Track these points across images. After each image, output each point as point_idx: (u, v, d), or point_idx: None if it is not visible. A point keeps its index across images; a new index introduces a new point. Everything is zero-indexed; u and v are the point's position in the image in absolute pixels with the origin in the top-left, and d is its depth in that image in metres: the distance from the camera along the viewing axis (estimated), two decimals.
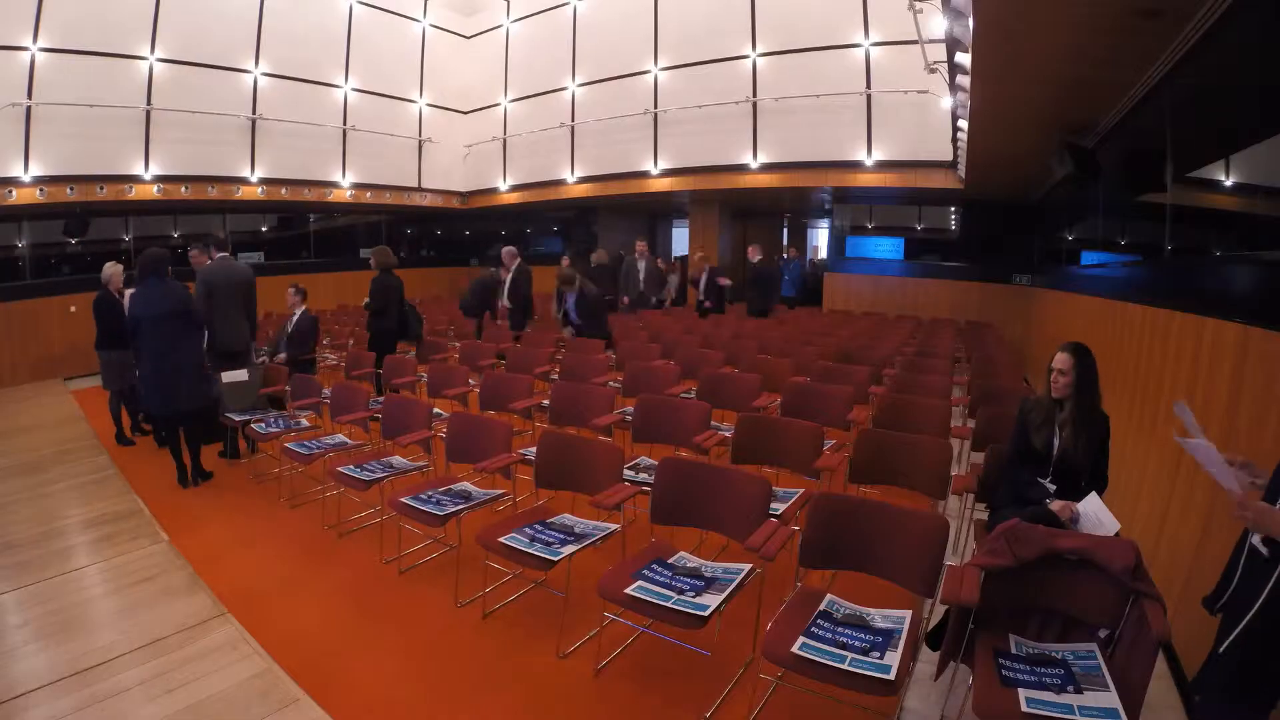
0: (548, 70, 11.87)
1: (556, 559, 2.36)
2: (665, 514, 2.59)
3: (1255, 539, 1.47)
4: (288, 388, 4.62)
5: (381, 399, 4.14)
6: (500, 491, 3.04)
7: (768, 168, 9.81)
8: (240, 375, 4.58)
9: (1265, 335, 2.07)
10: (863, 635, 1.91)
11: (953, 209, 10.23)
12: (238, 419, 4.34)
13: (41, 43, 8.13)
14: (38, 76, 8.12)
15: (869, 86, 9.01)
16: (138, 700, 2.15)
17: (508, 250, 7.07)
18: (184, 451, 4.15)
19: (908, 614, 2.02)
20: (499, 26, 12.76)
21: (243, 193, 10.22)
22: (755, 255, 8.60)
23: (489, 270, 7.83)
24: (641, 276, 9.08)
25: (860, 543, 2.20)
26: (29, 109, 8.07)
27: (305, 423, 4.34)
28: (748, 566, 2.29)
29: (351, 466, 3.28)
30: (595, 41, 11.40)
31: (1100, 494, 2.46)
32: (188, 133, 9.43)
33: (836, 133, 9.25)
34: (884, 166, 9.07)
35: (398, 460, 3.48)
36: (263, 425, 4.16)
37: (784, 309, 9.57)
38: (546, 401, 4.12)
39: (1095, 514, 2.25)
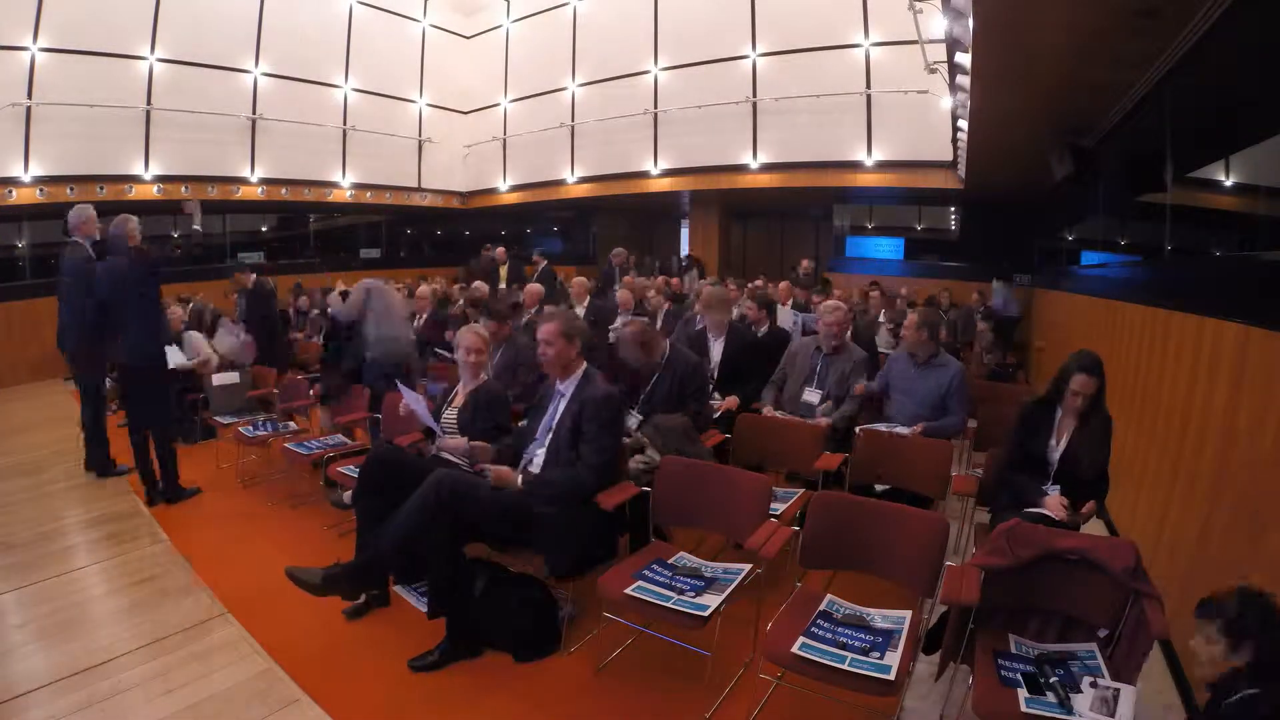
0: (548, 70, 11.87)
1: None
2: (666, 514, 2.59)
3: None
4: (276, 389, 4.62)
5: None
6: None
7: (768, 168, 9.81)
8: (231, 378, 4.60)
9: (1265, 335, 2.07)
10: (863, 635, 1.91)
11: (953, 209, 10.23)
12: (226, 421, 4.34)
13: (41, 43, 8.13)
14: (38, 76, 8.13)
15: (869, 86, 9.02)
16: (138, 700, 2.15)
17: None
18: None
19: (908, 614, 2.02)
20: (499, 26, 12.77)
21: (243, 193, 10.23)
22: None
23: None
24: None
25: (860, 543, 2.20)
26: (29, 109, 8.08)
27: (294, 425, 4.32)
28: (748, 566, 2.29)
29: (352, 467, 3.28)
30: (595, 41, 11.40)
31: (1103, 497, 2.46)
32: (188, 133, 9.43)
33: (836, 133, 9.25)
34: (884, 166, 9.07)
35: None
36: (250, 428, 4.15)
37: None
38: None
39: None
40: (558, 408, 2.64)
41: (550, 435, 2.61)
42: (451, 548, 2.36)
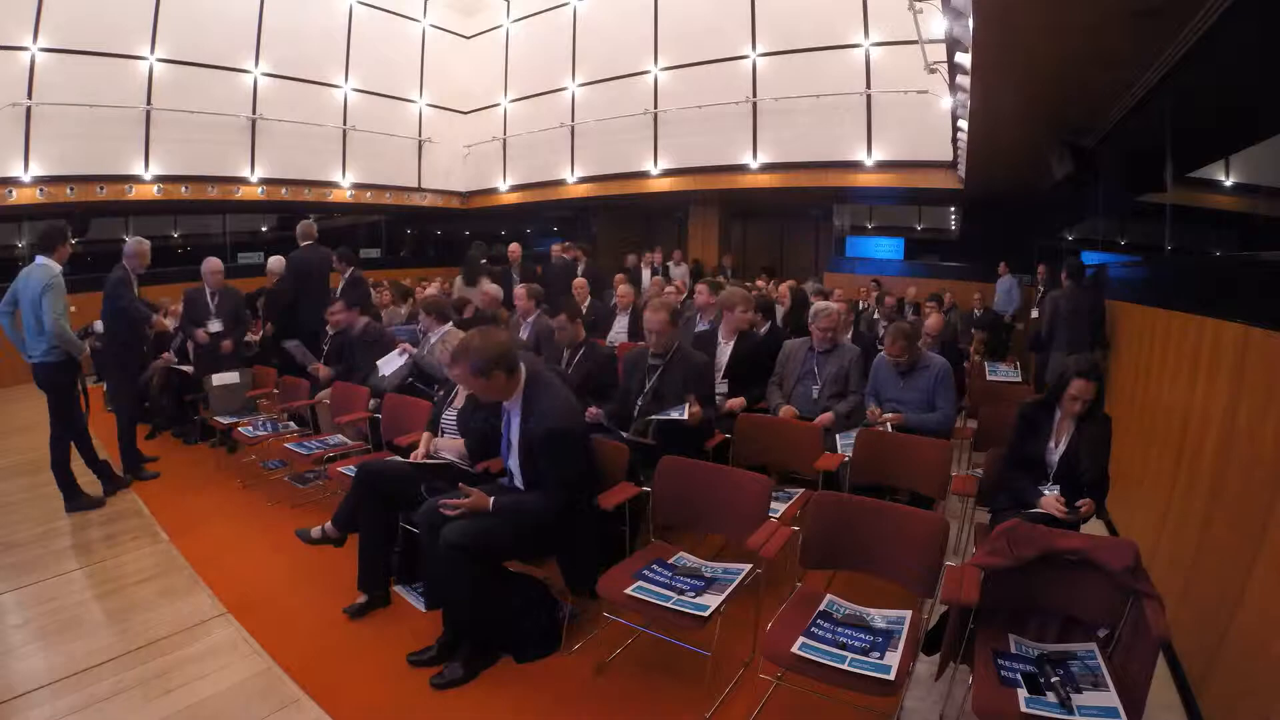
0: (548, 70, 11.86)
1: None
2: (666, 514, 2.59)
3: None
4: (276, 390, 4.61)
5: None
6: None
7: (768, 168, 9.81)
8: (231, 378, 4.59)
9: (1265, 335, 2.07)
10: (863, 635, 1.91)
11: (953, 209, 10.23)
12: (226, 421, 4.33)
13: (41, 43, 8.12)
14: (38, 76, 8.12)
15: (869, 86, 9.01)
16: (138, 700, 2.15)
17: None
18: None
19: (908, 614, 2.02)
20: (499, 26, 12.76)
21: (243, 193, 10.22)
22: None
23: None
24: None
25: (860, 543, 2.20)
26: (29, 109, 8.07)
27: (294, 426, 4.31)
28: (748, 566, 2.29)
29: (352, 467, 3.28)
30: (595, 41, 11.39)
31: (1103, 496, 2.46)
32: (188, 133, 9.42)
33: (836, 132, 9.25)
34: (884, 166, 9.07)
35: None
36: (250, 429, 4.15)
37: None
38: None
39: None
40: (511, 426, 2.49)
41: (515, 452, 2.47)
42: (481, 593, 2.29)
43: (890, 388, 3.52)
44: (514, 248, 7.48)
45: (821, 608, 2.06)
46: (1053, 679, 1.71)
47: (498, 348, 2.28)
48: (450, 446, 2.87)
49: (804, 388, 3.66)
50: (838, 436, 3.33)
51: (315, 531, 2.69)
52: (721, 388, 3.76)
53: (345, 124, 11.43)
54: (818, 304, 3.93)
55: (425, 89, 12.64)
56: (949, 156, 8.19)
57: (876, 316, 6.43)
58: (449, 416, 3.09)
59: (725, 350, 3.91)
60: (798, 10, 9.43)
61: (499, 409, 2.58)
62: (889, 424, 3.28)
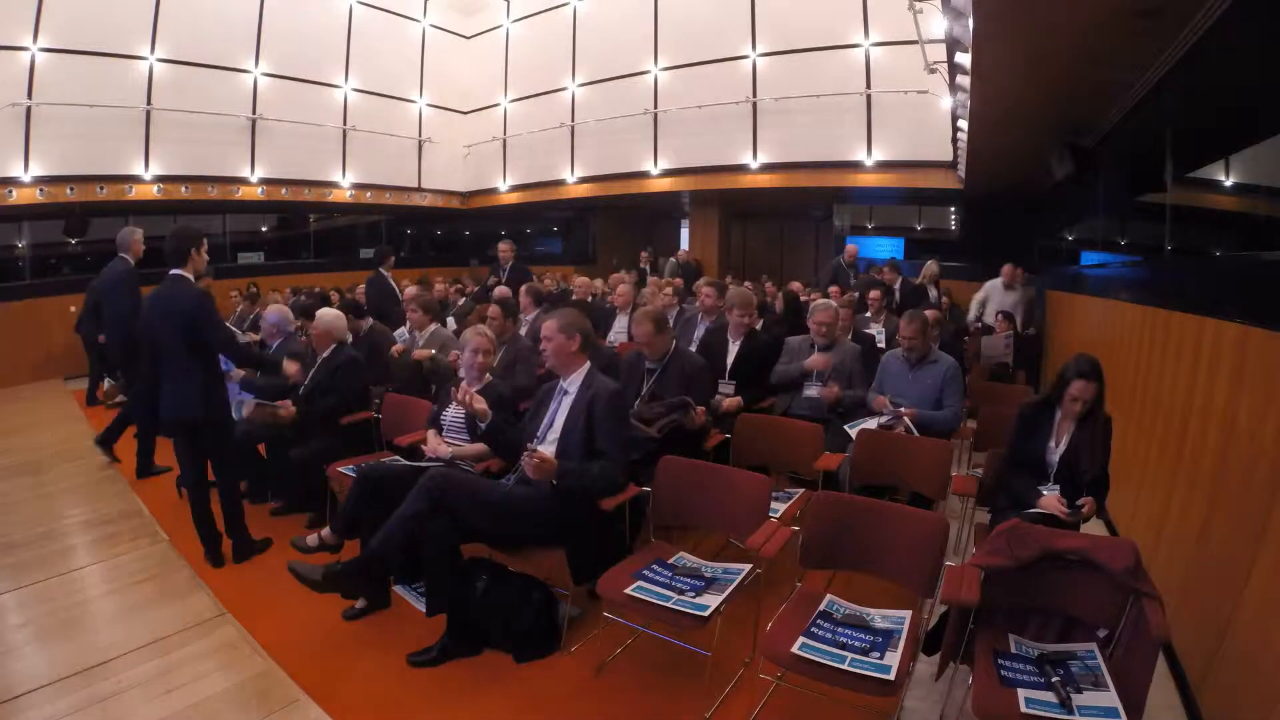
0: (548, 70, 11.86)
1: None
2: (666, 514, 2.59)
3: None
4: None
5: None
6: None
7: (768, 168, 9.81)
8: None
9: (1265, 335, 2.07)
10: (863, 635, 1.91)
11: (953, 209, 10.23)
12: None
13: (41, 43, 8.12)
14: (38, 76, 8.11)
15: (869, 86, 9.01)
16: (138, 700, 2.15)
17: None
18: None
19: (908, 614, 2.02)
20: (499, 26, 12.76)
21: (243, 193, 10.21)
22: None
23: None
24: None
25: (860, 543, 2.20)
26: (29, 109, 8.07)
27: None
28: (748, 566, 2.29)
29: (350, 467, 3.28)
30: (595, 41, 11.39)
31: (1104, 496, 2.46)
32: (188, 133, 9.42)
33: (836, 132, 9.24)
34: (884, 166, 9.06)
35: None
36: None
37: None
38: None
39: None
40: (561, 405, 2.63)
41: (557, 433, 2.58)
42: (449, 545, 2.37)
43: (898, 383, 3.52)
44: (504, 247, 7.34)
45: (821, 608, 2.06)
46: (1053, 679, 1.71)
47: (584, 323, 2.65)
48: (441, 451, 2.91)
49: (805, 386, 3.69)
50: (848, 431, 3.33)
51: (311, 540, 2.67)
52: (728, 388, 3.78)
53: (345, 124, 11.43)
54: (818, 300, 3.95)
55: (425, 89, 12.63)
56: (949, 156, 8.19)
57: (869, 315, 6.44)
58: (454, 417, 3.10)
59: (733, 349, 3.92)
60: (798, 10, 9.43)
61: (511, 411, 2.63)
62: (906, 419, 3.27)
